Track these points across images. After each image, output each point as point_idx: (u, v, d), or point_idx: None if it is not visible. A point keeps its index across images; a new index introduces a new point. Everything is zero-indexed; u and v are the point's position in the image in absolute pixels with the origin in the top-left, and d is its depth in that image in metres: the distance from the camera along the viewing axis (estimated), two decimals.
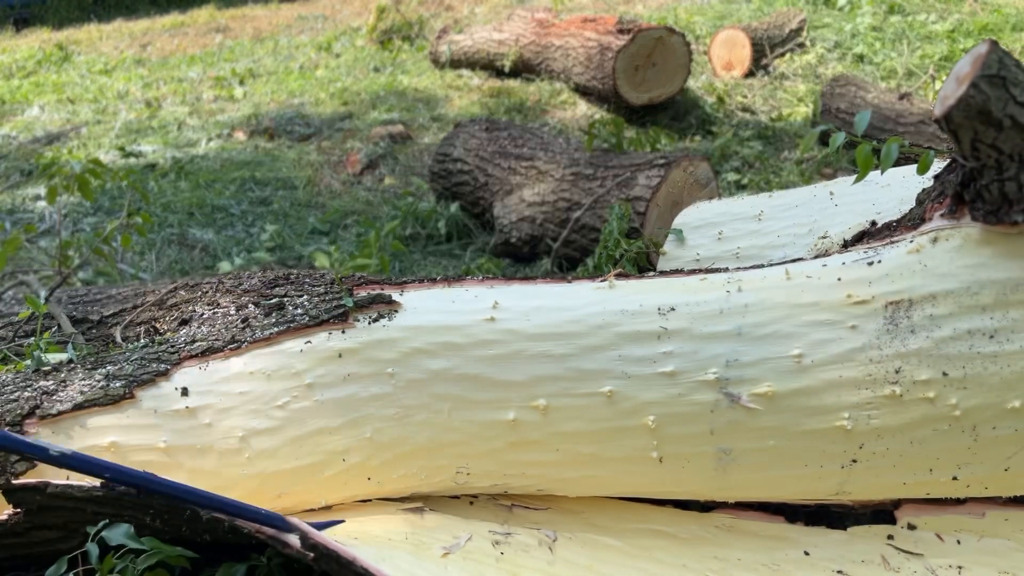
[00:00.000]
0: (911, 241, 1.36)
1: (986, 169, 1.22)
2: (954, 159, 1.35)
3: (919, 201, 1.44)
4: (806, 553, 1.45)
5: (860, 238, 1.61)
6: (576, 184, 2.51)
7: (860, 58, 4.73)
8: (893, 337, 1.30)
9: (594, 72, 3.90)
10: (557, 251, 2.40)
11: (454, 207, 2.90)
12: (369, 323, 1.54)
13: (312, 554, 1.20)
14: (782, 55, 4.74)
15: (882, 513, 1.48)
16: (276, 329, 1.56)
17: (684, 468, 1.43)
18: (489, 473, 1.54)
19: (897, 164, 2.05)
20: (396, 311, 1.55)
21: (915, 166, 1.91)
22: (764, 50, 4.64)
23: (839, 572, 1.41)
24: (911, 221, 1.44)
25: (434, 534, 1.52)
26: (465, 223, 2.85)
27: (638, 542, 1.53)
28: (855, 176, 2.03)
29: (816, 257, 1.47)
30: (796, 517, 1.52)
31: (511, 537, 1.53)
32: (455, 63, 5.31)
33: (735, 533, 1.52)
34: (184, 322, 1.66)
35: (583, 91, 4.24)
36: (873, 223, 1.62)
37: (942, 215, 1.34)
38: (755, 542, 1.49)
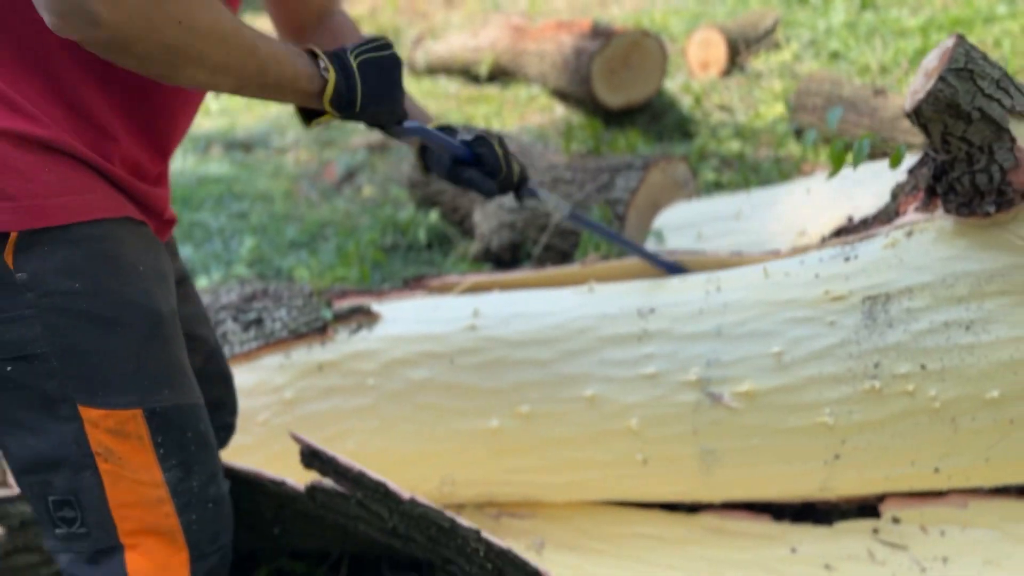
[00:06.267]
0: (887, 235, 1.37)
1: (957, 162, 1.23)
2: (926, 153, 1.35)
3: (893, 195, 1.45)
4: (793, 550, 1.45)
5: (838, 234, 1.61)
6: (555, 188, 2.52)
7: (835, 55, 4.74)
8: (871, 332, 1.30)
9: (570, 76, 3.91)
10: (537, 256, 2.40)
11: (433, 215, 2.89)
12: (349, 335, 1.53)
13: (315, 462, 1.19)
14: (757, 54, 4.76)
15: (867, 508, 1.49)
16: (255, 344, 1.55)
17: (669, 469, 1.43)
18: (474, 482, 1.54)
19: (873, 159, 2.06)
20: (376, 321, 1.54)
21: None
22: (739, 49, 4.65)
23: (827, 567, 1.41)
24: (886, 215, 1.45)
25: None
26: (445, 231, 2.84)
27: (626, 545, 1.52)
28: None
29: (794, 254, 1.47)
30: (782, 515, 1.52)
31: None
32: (431, 71, 5.30)
33: (722, 533, 1.52)
34: None
35: (560, 95, 4.24)
36: (850, 218, 1.63)
37: (916, 208, 1.35)
38: (742, 541, 1.49)
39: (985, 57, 1.19)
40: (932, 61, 1.22)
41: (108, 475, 0.96)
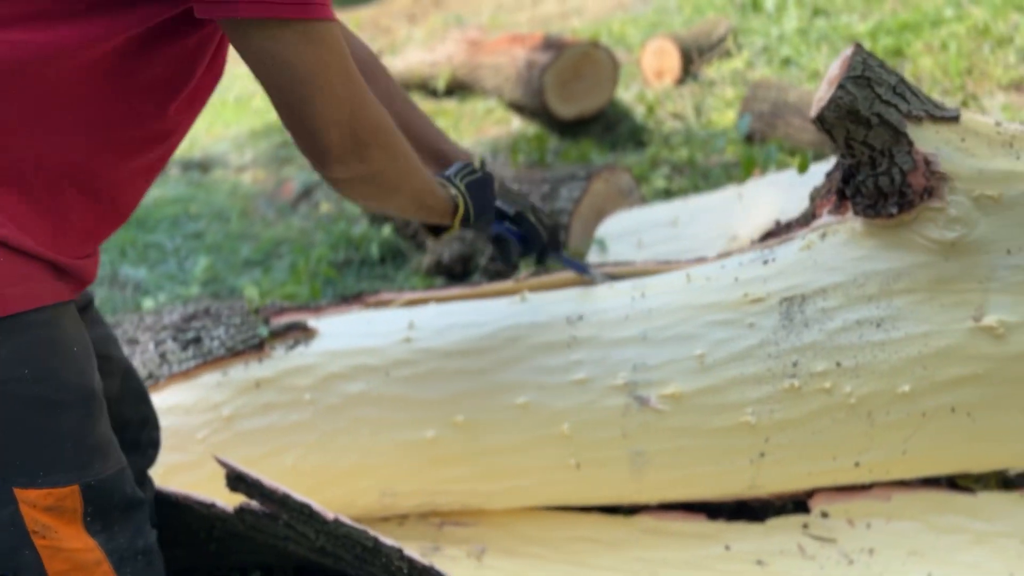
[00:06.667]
0: (803, 238, 1.41)
1: (862, 165, 1.27)
2: (838, 158, 1.40)
3: (811, 199, 1.49)
4: (727, 548, 1.49)
5: (766, 238, 1.65)
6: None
7: (786, 61, 4.82)
8: (789, 332, 1.34)
9: (524, 88, 3.95)
10: (485, 267, 2.43)
11: (387, 229, 2.91)
12: (286, 351, 1.55)
13: (241, 485, 1.21)
14: (711, 62, 4.83)
15: (800, 503, 1.52)
16: (193, 363, 1.57)
17: (601, 473, 1.46)
18: (415, 492, 1.56)
19: (816, 161, 2.11)
20: (312, 337, 1.56)
21: (824, 163, 1.97)
22: (693, 58, 4.72)
23: (759, 563, 1.45)
24: (804, 219, 1.49)
25: None
26: (398, 245, 2.87)
27: (566, 548, 1.55)
28: (767, 177, 2.09)
29: (717, 258, 1.51)
30: (718, 514, 1.55)
31: (439, 551, 1.54)
32: None
33: (659, 534, 1.55)
34: None
35: (516, 108, 4.28)
36: (778, 222, 1.67)
37: (829, 211, 1.39)
38: (678, 541, 1.52)
39: (883, 64, 1.23)
40: (834, 70, 1.27)
41: (45, 550, 0.99)
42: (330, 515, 1.20)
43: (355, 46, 1.40)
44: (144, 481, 1.33)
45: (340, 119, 1.00)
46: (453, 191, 1.31)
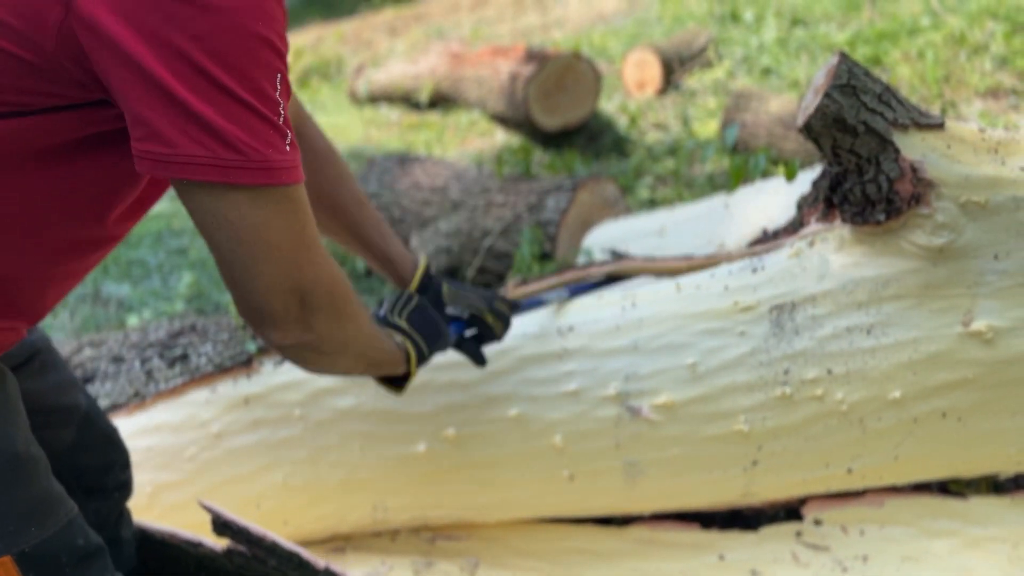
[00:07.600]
0: (791, 246, 1.41)
1: (849, 173, 1.28)
2: (824, 166, 1.41)
3: (798, 207, 1.50)
4: (721, 557, 1.49)
5: (754, 246, 1.66)
6: (489, 212, 2.55)
7: (767, 71, 4.85)
8: (779, 340, 1.34)
9: (507, 101, 3.96)
10: (472, 279, 2.43)
11: None
12: (274, 366, 1.54)
13: (227, 532, 1.20)
14: (692, 72, 4.86)
15: (793, 511, 1.52)
16: (180, 380, 1.55)
17: (595, 484, 1.46)
18: (406, 507, 1.55)
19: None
20: None
21: (810, 172, 1.98)
22: (674, 68, 4.75)
23: (753, 572, 1.45)
24: (792, 226, 1.49)
25: (355, 569, 1.52)
26: None
27: (560, 560, 1.54)
28: (752, 186, 2.10)
29: (707, 264, 1.51)
30: (711, 523, 1.55)
31: (433, 567, 1.53)
32: (373, 99, 5.33)
33: (653, 544, 1.54)
34: (88, 380, 1.63)
35: (500, 120, 4.29)
36: (765, 230, 1.68)
37: (817, 219, 1.40)
38: (672, 551, 1.52)
39: (867, 72, 1.24)
40: (820, 78, 1.27)
41: None
42: (321, 563, 1.18)
43: (312, 136, 1.32)
44: (116, 522, 1.29)
45: (285, 286, 0.93)
46: (399, 338, 1.23)
